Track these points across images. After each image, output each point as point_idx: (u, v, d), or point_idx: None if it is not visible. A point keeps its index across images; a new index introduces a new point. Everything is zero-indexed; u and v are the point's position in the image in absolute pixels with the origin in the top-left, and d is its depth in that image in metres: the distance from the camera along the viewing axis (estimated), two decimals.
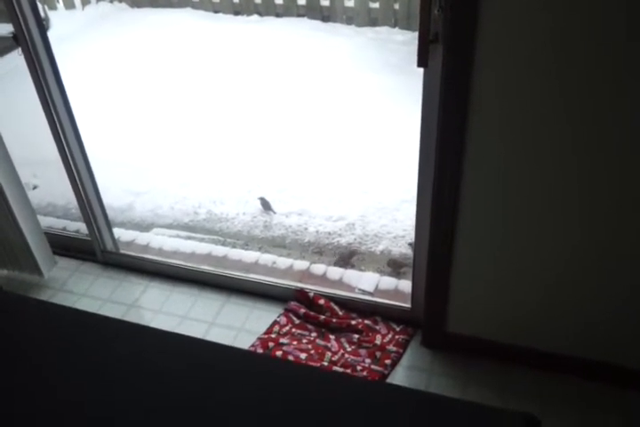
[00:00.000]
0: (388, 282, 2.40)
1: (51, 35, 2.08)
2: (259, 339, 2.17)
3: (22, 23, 1.97)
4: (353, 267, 2.57)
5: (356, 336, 2.16)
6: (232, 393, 1.03)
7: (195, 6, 5.31)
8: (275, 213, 2.93)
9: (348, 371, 2.03)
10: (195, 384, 1.05)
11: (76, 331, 1.19)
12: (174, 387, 1.04)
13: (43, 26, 2.06)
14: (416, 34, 1.45)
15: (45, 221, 2.72)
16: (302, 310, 2.24)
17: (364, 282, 2.40)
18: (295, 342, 2.14)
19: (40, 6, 2.05)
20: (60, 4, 5.36)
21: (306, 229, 2.85)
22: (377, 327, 2.18)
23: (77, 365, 1.10)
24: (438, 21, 1.43)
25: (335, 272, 2.47)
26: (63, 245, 2.59)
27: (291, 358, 2.08)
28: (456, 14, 1.40)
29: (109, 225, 2.52)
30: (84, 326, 1.18)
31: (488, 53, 1.44)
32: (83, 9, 5.39)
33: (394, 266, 2.58)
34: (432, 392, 1.16)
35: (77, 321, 1.23)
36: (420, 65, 1.49)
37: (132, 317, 2.29)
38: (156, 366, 1.08)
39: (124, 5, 5.49)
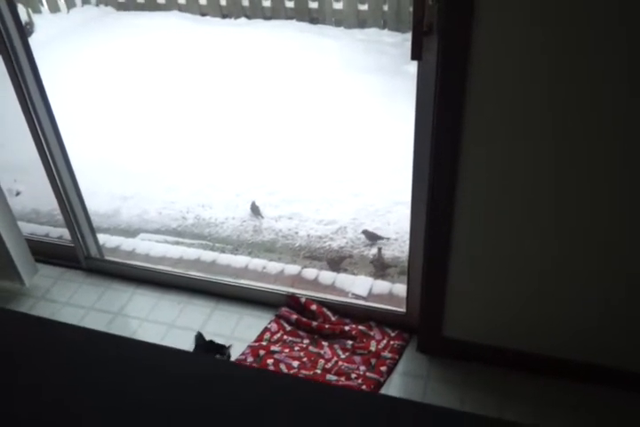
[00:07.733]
0: (382, 286, 2.34)
1: (35, 38, 2.02)
2: (249, 347, 2.10)
3: (1, 27, 1.91)
4: (345, 271, 2.50)
5: (350, 343, 2.09)
6: (218, 407, 0.96)
7: (181, 9, 5.24)
8: (262, 217, 2.86)
9: (342, 379, 1.96)
10: (178, 397, 0.99)
11: (55, 345, 1.11)
12: (157, 403, 0.98)
13: (23, 30, 2.00)
14: (406, 36, 1.40)
15: (28, 228, 2.64)
16: (294, 316, 2.17)
17: (358, 286, 2.34)
18: (287, 350, 2.07)
19: (24, 10, 2.00)
20: (45, 8, 5.27)
21: (297, 233, 2.78)
22: (371, 333, 2.11)
23: (54, 380, 1.03)
24: (433, 12, 1.38)
25: (327, 277, 2.41)
26: (46, 252, 2.51)
27: (282, 366, 2.01)
28: (451, 4, 1.35)
29: (93, 231, 2.45)
30: (63, 340, 1.11)
31: (484, 44, 1.39)
32: (68, 12, 5.29)
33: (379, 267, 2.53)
34: (432, 404, 1.09)
35: (57, 334, 1.15)
36: (414, 58, 1.43)
37: (117, 325, 2.22)
38: (140, 381, 1.02)
39: (109, 9, 5.41)
